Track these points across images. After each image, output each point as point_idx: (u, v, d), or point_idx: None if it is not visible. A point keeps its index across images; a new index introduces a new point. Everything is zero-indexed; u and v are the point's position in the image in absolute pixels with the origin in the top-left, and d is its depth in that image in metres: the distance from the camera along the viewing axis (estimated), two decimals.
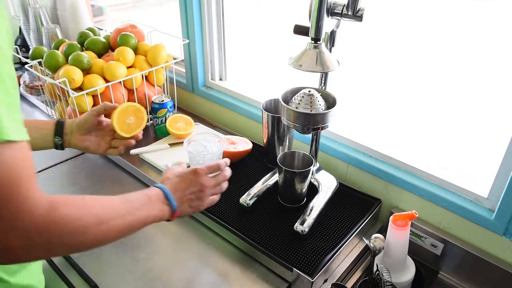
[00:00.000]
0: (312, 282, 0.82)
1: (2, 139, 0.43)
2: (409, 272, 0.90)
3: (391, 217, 0.86)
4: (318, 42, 0.80)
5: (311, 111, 0.86)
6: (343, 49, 0.84)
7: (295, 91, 0.91)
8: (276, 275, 0.88)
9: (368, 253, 0.97)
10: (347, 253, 0.93)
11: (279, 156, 0.96)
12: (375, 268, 0.84)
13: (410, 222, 0.86)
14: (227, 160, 0.84)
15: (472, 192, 0.91)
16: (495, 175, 0.86)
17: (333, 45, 0.86)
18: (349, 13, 0.77)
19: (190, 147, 1.00)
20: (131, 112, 0.99)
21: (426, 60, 0.97)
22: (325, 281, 0.87)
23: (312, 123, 0.87)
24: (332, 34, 0.84)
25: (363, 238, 0.91)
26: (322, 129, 0.88)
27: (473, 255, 0.90)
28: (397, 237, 0.86)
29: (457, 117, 0.98)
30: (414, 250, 0.97)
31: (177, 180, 0.76)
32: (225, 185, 0.82)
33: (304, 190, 0.98)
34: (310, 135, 1.02)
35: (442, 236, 0.94)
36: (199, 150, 1.00)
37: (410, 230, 0.91)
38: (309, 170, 0.94)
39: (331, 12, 0.78)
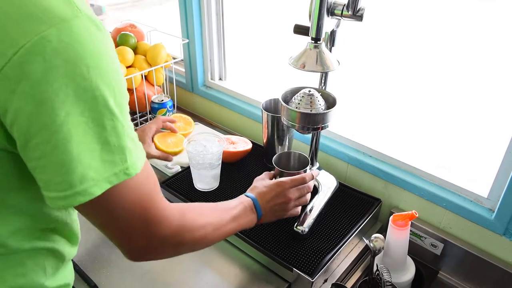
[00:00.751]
0: (312, 282, 0.82)
1: (132, 174, 0.47)
2: (409, 272, 0.90)
3: (391, 217, 0.86)
4: (318, 42, 0.80)
5: (311, 111, 0.86)
6: (343, 49, 0.84)
7: (295, 91, 0.91)
8: (276, 275, 0.88)
9: (368, 253, 0.97)
10: (347, 253, 0.93)
11: (274, 156, 0.96)
12: (375, 268, 0.84)
13: (410, 222, 0.85)
14: (315, 173, 0.88)
15: (472, 192, 0.91)
16: (495, 175, 0.86)
17: (333, 45, 0.85)
18: (349, 13, 0.77)
19: (190, 147, 1.00)
20: (174, 136, 1.11)
21: (427, 60, 0.97)
22: (325, 281, 0.87)
23: (312, 123, 0.86)
24: (332, 34, 0.84)
25: (363, 238, 0.91)
26: (322, 129, 0.88)
27: (473, 255, 0.90)
28: (397, 237, 0.86)
29: (457, 117, 0.98)
30: (414, 250, 0.97)
31: (265, 191, 0.80)
32: (308, 196, 0.86)
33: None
34: (310, 135, 1.01)
35: (442, 236, 0.94)
36: (199, 149, 1.00)
37: (410, 230, 0.91)
38: (305, 170, 0.93)
39: (331, 12, 0.78)
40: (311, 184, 0.85)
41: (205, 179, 1.02)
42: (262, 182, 0.84)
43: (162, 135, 1.13)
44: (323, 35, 0.79)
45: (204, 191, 1.04)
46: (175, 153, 1.14)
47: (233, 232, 0.71)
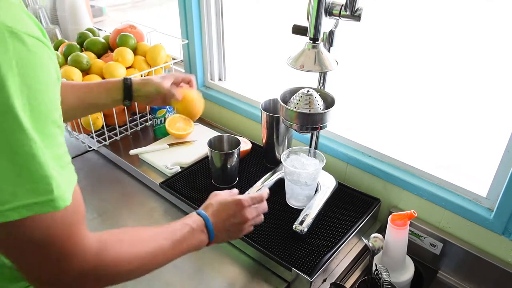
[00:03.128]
0: (311, 282, 0.82)
1: (60, 207, 0.44)
2: (408, 271, 0.90)
3: (390, 217, 0.86)
4: (316, 42, 0.80)
5: (309, 111, 0.86)
6: (342, 49, 0.84)
7: (294, 91, 0.91)
8: (275, 274, 0.88)
9: (367, 252, 0.97)
10: (346, 253, 0.93)
11: (208, 140, 1.06)
12: (374, 268, 0.84)
13: (409, 222, 0.86)
14: (267, 192, 0.83)
15: (471, 192, 0.91)
16: (494, 174, 0.86)
17: (331, 45, 0.86)
18: (347, 13, 0.77)
19: (288, 162, 0.96)
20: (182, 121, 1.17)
21: (426, 59, 0.97)
22: (324, 280, 0.87)
23: (310, 123, 0.87)
24: (331, 34, 0.84)
25: (362, 237, 0.92)
26: (321, 128, 0.88)
27: (472, 254, 0.91)
28: (396, 236, 0.86)
29: (456, 116, 0.98)
30: (413, 250, 0.97)
31: (220, 208, 0.73)
32: (262, 217, 0.80)
33: (234, 170, 1.06)
34: (309, 135, 1.02)
35: (441, 235, 0.94)
36: (297, 166, 0.95)
37: (409, 230, 0.91)
38: (238, 149, 1.04)
39: (329, 12, 0.78)
40: (265, 204, 0.80)
41: (298, 196, 0.98)
42: (218, 198, 0.76)
43: (172, 119, 1.25)
44: (321, 35, 0.79)
45: (201, 192, 1.04)
46: (183, 136, 1.25)
47: (176, 258, 0.65)
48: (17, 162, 0.40)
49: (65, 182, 0.44)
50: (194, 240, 0.68)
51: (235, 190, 0.81)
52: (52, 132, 0.43)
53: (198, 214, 0.72)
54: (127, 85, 0.91)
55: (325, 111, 0.86)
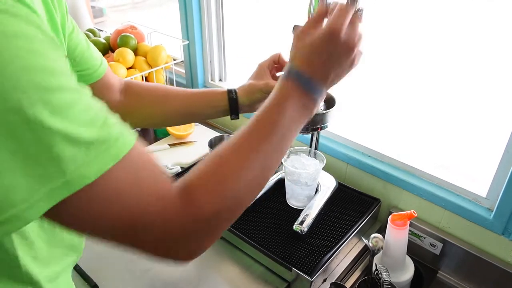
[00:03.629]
0: (311, 282, 0.82)
1: (79, 186, 0.36)
2: (408, 271, 0.90)
3: (390, 217, 0.86)
4: None
5: None
6: None
7: None
8: (275, 274, 0.88)
9: (367, 252, 0.97)
10: (346, 253, 0.94)
11: (208, 140, 1.06)
12: (374, 268, 0.84)
13: (409, 222, 0.86)
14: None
15: (471, 192, 0.92)
16: (493, 175, 0.86)
17: None
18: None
19: (288, 162, 0.96)
20: None
21: (425, 59, 0.97)
22: (324, 280, 0.87)
23: (310, 123, 0.87)
24: None
25: (362, 237, 0.92)
26: (321, 129, 0.88)
27: (472, 255, 0.91)
28: (396, 236, 0.86)
29: (455, 116, 0.98)
30: (413, 250, 0.97)
31: (311, 51, 0.53)
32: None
33: None
34: (309, 135, 1.02)
35: (441, 235, 0.95)
36: (297, 166, 0.95)
37: (409, 230, 0.91)
38: None
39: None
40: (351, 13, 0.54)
41: (299, 196, 0.99)
42: (304, 40, 0.54)
43: None
44: None
45: None
46: (184, 136, 1.27)
47: (287, 141, 0.51)
48: (20, 151, 0.34)
49: (83, 157, 0.36)
50: (298, 115, 0.51)
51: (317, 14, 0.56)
52: (59, 99, 0.35)
53: (288, 76, 0.52)
54: (232, 99, 0.79)
55: (326, 111, 0.86)
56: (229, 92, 0.79)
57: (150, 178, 0.41)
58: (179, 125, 1.09)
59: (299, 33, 0.56)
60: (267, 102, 0.51)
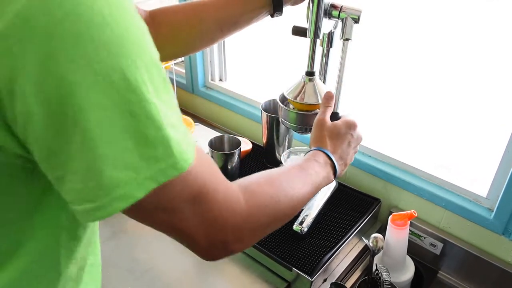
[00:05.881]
0: (312, 282, 0.82)
1: (183, 169, 0.38)
2: (409, 271, 0.90)
3: (390, 217, 0.86)
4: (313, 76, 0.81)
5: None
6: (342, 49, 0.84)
7: None
8: (275, 274, 0.88)
9: (367, 252, 0.97)
10: (346, 253, 0.94)
11: (208, 140, 1.06)
12: (374, 268, 0.84)
13: (409, 222, 0.86)
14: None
15: (471, 192, 0.91)
16: (494, 175, 0.86)
17: (331, 46, 0.86)
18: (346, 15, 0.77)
19: (288, 162, 0.97)
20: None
21: (426, 59, 0.97)
22: (325, 280, 0.87)
23: (310, 123, 0.87)
24: (330, 35, 0.84)
25: (363, 237, 0.92)
26: None
27: (472, 255, 0.91)
28: (396, 236, 0.86)
29: (456, 116, 0.98)
30: (414, 250, 0.97)
31: (334, 136, 0.67)
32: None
33: (235, 170, 1.08)
34: (309, 135, 1.02)
35: (441, 235, 0.95)
36: None
37: (410, 230, 0.91)
38: (238, 150, 1.05)
39: (329, 13, 0.78)
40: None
41: None
42: (330, 129, 0.68)
43: None
44: (320, 36, 0.79)
45: None
46: None
47: (311, 195, 0.60)
48: (133, 129, 0.35)
49: (183, 141, 0.38)
50: (322, 174, 0.63)
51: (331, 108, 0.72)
52: (160, 80, 0.37)
53: (317, 149, 0.66)
54: None
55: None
56: None
57: (218, 172, 0.47)
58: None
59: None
60: (304, 159, 0.64)
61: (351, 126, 0.69)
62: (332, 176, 0.65)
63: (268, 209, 0.51)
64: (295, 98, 0.82)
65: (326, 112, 0.71)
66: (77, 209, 0.37)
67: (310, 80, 0.82)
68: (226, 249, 0.47)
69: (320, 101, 0.78)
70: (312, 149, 0.67)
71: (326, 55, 0.86)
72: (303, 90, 0.82)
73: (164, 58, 0.42)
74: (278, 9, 0.72)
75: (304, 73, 0.82)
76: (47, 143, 0.34)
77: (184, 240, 0.44)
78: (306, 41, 0.81)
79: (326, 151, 0.65)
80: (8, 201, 0.41)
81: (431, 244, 0.97)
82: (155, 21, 0.72)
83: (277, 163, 1.12)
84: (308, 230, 0.90)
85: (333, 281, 0.87)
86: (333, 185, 1.03)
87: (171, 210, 0.40)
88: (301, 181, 0.58)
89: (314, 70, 0.81)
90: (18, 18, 0.30)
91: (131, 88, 0.33)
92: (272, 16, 0.74)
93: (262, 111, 1.08)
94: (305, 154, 0.67)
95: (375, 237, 0.89)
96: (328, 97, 0.73)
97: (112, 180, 0.35)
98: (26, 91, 0.31)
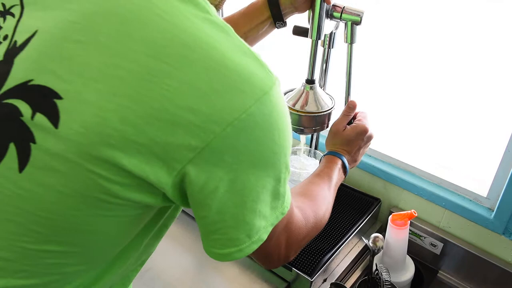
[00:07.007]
0: (311, 282, 0.82)
1: (286, 212, 0.47)
2: (409, 271, 0.90)
3: (390, 217, 0.86)
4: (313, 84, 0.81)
5: None
6: (343, 49, 0.84)
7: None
8: (275, 274, 0.88)
9: (367, 252, 0.97)
10: (346, 253, 0.94)
11: None
12: (374, 268, 0.84)
13: (409, 222, 0.86)
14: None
15: (472, 191, 0.91)
16: (494, 174, 0.86)
17: (332, 46, 0.86)
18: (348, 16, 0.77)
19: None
20: None
21: (426, 59, 0.97)
22: (324, 280, 0.87)
23: (307, 124, 0.87)
24: (331, 36, 0.84)
25: (363, 237, 0.92)
26: (320, 130, 0.88)
27: (473, 254, 0.91)
28: (396, 236, 0.86)
29: (456, 116, 0.98)
30: (414, 250, 0.97)
31: (349, 143, 0.77)
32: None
33: None
34: (309, 136, 1.02)
35: (442, 235, 0.95)
36: (297, 166, 0.95)
37: (410, 230, 0.91)
38: None
39: (331, 15, 0.78)
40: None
41: None
42: (345, 136, 0.77)
43: None
44: (322, 37, 0.79)
45: None
46: None
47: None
48: (275, 189, 0.45)
49: (288, 189, 0.49)
50: (339, 177, 0.73)
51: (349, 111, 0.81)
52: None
53: (334, 155, 0.75)
54: (272, 2, 0.75)
55: (325, 111, 0.86)
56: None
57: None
58: None
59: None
60: (330, 167, 0.73)
61: (362, 132, 0.77)
62: (344, 176, 0.76)
63: (315, 225, 0.59)
64: (294, 105, 0.82)
65: (344, 121, 0.79)
66: (218, 252, 0.45)
67: (311, 88, 0.81)
68: (286, 261, 0.55)
69: (319, 110, 0.81)
70: (328, 153, 0.77)
71: (327, 55, 0.86)
72: (303, 98, 0.82)
73: None
74: (279, 19, 0.77)
75: (304, 81, 0.81)
76: (219, 202, 0.42)
77: (260, 259, 0.53)
78: (306, 41, 0.81)
79: (341, 157, 0.75)
80: (112, 243, 0.47)
81: (431, 244, 0.97)
82: None
83: None
84: None
85: (333, 281, 0.87)
86: None
87: (269, 239, 0.47)
88: (326, 187, 0.68)
89: (314, 78, 0.81)
90: (224, 136, 0.39)
91: (285, 161, 0.45)
92: (276, 27, 0.79)
93: None
94: (322, 157, 0.77)
95: (375, 237, 0.89)
96: (351, 106, 0.80)
97: (255, 228, 0.44)
98: (219, 186, 0.40)
